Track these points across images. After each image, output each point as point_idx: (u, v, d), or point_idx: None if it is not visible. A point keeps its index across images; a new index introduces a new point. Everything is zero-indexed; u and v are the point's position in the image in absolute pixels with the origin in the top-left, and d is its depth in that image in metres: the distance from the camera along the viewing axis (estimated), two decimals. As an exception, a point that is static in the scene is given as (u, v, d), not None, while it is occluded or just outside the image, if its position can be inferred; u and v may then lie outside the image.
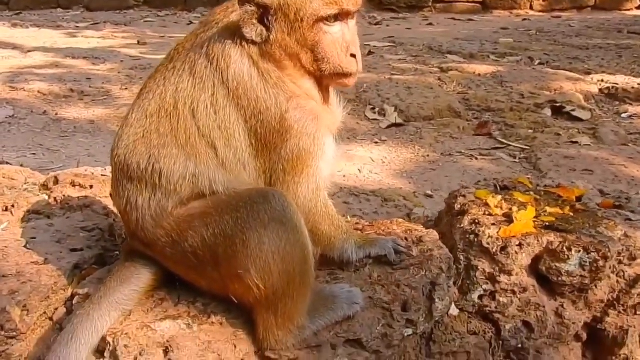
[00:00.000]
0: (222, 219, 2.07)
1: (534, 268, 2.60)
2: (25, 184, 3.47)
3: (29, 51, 10.03)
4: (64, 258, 2.48)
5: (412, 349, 2.41)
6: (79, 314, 2.12)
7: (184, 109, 2.18)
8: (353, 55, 2.24)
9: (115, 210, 3.12)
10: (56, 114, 6.70)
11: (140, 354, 2.00)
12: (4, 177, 3.48)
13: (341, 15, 2.20)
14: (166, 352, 2.02)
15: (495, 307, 2.57)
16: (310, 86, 2.29)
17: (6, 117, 6.51)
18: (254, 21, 2.16)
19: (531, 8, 16.00)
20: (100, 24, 14.19)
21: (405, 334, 2.30)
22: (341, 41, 2.22)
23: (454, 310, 2.56)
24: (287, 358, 2.10)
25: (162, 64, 2.33)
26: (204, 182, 2.14)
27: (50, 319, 2.30)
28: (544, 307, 2.56)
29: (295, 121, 2.19)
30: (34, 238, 2.65)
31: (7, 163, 4.90)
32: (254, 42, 2.18)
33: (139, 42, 11.06)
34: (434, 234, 2.65)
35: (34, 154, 5.64)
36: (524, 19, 14.06)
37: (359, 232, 2.63)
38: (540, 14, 15.27)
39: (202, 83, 2.18)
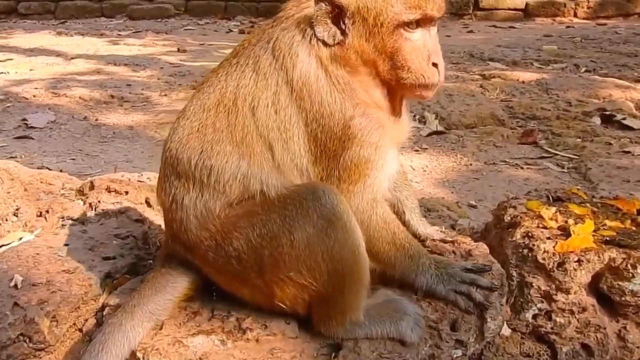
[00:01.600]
0: (268, 218, 1.97)
1: (594, 286, 2.40)
2: (62, 189, 3.42)
3: (72, 58, 10.19)
4: (95, 267, 2.39)
5: (460, 371, 2.24)
6: (110, 323, 2.03)
7: (244, 105, 2.07)
8: (435, 65, 2.07)
9: (149, 217, 3.04)
10: (96, 120, 6.73)
11: (172, 371, 1.88)
12: (41, 182, 3.44)
13: (423, 21, 2.04)
14: (199, 369, 1.90)
15: (551, 328, 2.37)
16: (381, 96, 2.15)
17: (48, 123, 6.57)
18: (328, 21, 2.04)
19: (575, 15, 15.62)
20: (141, 32, 14.37)
21: (454, 355, 2.13)
22: (422, 49, 2.06)
23: (506, 330, 2.38)
24: None
25: (226, 58, 2.23)
26: (255, 185, 2.03)
27: (80, 330, 2.21)
28: (604, 328, 2.36)
29: (359, 129, 2.05)
30: (67, 245, 2.57)
31: (47, 168, 4.92)
32: (325, 43, 2.05)
33: (178, 49, 11.13)
34: (483, 248, 2.48)
35: (74, 159, 5.66)
36: (568, 27, 13.69)
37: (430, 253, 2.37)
38: (585, 21, 14.88)
39: (265, 80, 2.07)
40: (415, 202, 2.57)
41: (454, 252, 2.44)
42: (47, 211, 2.90)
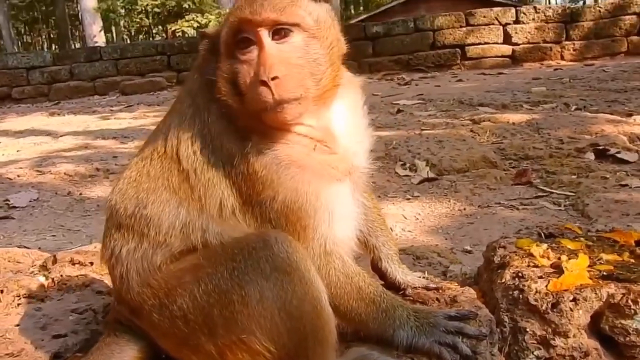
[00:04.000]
0: (215, 271, 1.75)
1: (594, 328, 2.16)
2: (32, 266, 3.24)
3: (61, 136, 10.19)
4: (43, 347, 2.17)
5: None
6: None
7: (172, 151, 1.93)
8: (263, 83, 1.74)
9: (115, 288, 2.84)
10: (80, 194, 6.60)
11: None
12: (9, 262, 3.27)
13: (252, 35, 1.80)
14: None
15: (553, 378, 2.13)
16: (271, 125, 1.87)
17: (30, 201, 6.43)
18: (209, 56, 1.94)
19: (562, 58, 15.79)
20: (133, 105, 14.51)
21: (444, 416, 1.88)
22: (253, 66, 1.79)
23: (503, 383, 2.14)
24: None
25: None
26: (196, 233, 1.85)
27: (24, 421, 1.97)
28: (612, 374, 2.11)
29: (262, 166, 1.83)
30: (17, 325, 2.35)
31: (25, 247, 4.74)
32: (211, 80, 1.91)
33: (168, 119, 11.13)
34: (470, 292, 2.26)
35: (54, 235, 5.48)
36: (556, 69, 13.80)
37: (406, 302, 2.12)
38: (572, 63, 15.04)
39: (186, 123, 1.93)
40: (393, 248, 2.37)
41: (437, 299, 2.22)
42: (2, 291, 2.69)
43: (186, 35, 22.85)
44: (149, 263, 1.85)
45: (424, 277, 2.40)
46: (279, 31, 1.82)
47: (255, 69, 1.78)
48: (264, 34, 1.80)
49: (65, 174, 7.23)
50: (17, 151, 9.08)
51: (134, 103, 14.99)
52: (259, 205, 1.85)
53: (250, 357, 1.74)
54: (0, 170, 7.63)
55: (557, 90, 10.19)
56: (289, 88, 1.77)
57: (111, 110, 14.03)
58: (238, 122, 1.87)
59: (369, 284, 1.96)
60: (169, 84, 17.85)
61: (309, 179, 1.86)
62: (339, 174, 1.95)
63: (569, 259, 2.34)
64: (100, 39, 26.35)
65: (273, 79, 1.74)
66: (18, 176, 7.25)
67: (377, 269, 2.34)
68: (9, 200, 6.38)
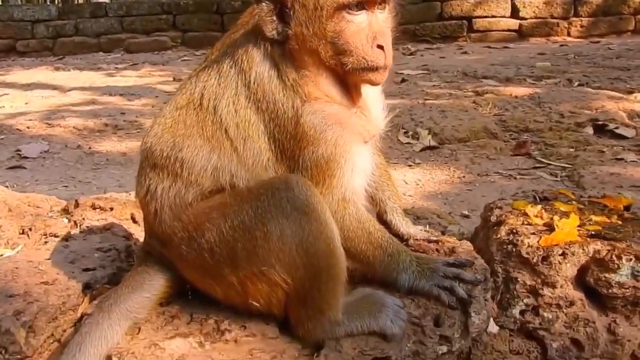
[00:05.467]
0: (241, 209, 1.95)
1: (580, 280, 2.36)
2: (50, 211, 3.41)
3: (68, 90, 10.27)
4: (75, 278, 2.36)
5: (448, 369, 2.19)
6: (87, 323, 2.00)
7: (209, 104, 2.10)
8: (380, 47, 2.02)
9: (134, 232, 3.02)
10: (90, 148, 6.74)
11: (147, 374, 1.84)
12: (29, 205, 3.43)
13: (367, 4, 2.02)
14: (176, 371, 1.86)
15: (540, 324, 2.33)
16: (332, 88, 2.11)
17: (41, 152, 6.58)
18: (273, 17, 2.04)
19: (568, 34, 15.73)
20: (138, 64, 14.52)
21: (440, 352, 2.08)
22: (366, 30, 2.02)
23: (494, 328, 2.34)
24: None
25: (199, 65, 2.29)
26: (225, 176, 2.04)
27: (58, 341, 2.17)
28: (594, 322, 2.31)
29: (311, 126, 2.04)
30: (47, 259, 2.54)
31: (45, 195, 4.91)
32: (275, 41, 2.06)
33: (174, 78, 11.22)
34: (467, 245, 2.45)
35: (66, 186, 5.64)
36: (562, 45, 13.78)
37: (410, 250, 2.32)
38: (578, 39, 14.98)
39: (227, 82, 2.11)
40: (398, 201, 2.55)
41: (437, 250, 2.41)
42: (30, 229, 2.88)
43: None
44: (181, 200, 2.04)
45: (425, 230, 2.59)
46: (382, 4, 2.06)
47: (368, 33, 2.01)
48: (376, 7, 2.04)
49: (74, 127, 7.37)
50: (26, 103, 9.18)
51: (139, 62, 14.99)
52: (294, 158, 2.05)
53: (269, 287, 1.95)
54: (10, 121, 7.76)
55: (561, 65, 10.26)
56: (392, 55, 2.04)
57: (116, 67, 14.04)
58: (301, 85, 2.05)
59: (378, 229, 2.16)
60: (173, 43, 17.80)
61: (348, 136, 2.08)
62: (368, 136, 2.20)
63: (561, 219, 2.52)
64: (105, -4, 26.10)
65: (386, 44, 2.00)
66: (28, 128, 7.38)
67: (382, 221, 2.52)
68: (20, 151, 6.53)
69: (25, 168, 6.12)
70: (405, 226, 2.52)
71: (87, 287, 2.36)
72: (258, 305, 2.00)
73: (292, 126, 2.04)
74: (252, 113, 2.06)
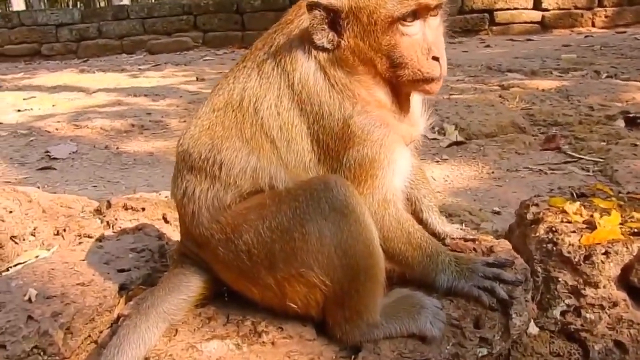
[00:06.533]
0: (279, 210, 1.93)
1: (624, 279, 2.30)
2: (82, 212, 3.43)
3: (94, 92, 10.38)
4: (110, 279, 2.36)
5: (488, 372, 2.14)
6: (125, 325, 1.99)
7: (249, 106, 2.08)
8: (435, 58, 2.01)
9: (167, 232, 3.02)
10: (117, 148, 6.79)
11: (186, 377, 1.83)
12: (61, 206, 3.45)
13: (420, 12, 1.99)
14: (214, 374, 1.85)
15: (581, 325, 2.28)
16: (383, 94, 2.09)
17: (70, 153, 6.65)
18: (324, 26, 2.01)
19: (593, 25, 15.50)
20: (161, 65, 14.61)
21: (479, 354, 2.03)
22: (421, 42, 2.00)
23: (534, 329, 2.29)
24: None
25: (236, 63, 2.26)
26: (264, 178, 2.02)
27: (95, 342, 2.17)
28: (638, 324, 2.25)
29: (359, 127, 2.01)
30: (83, 260, 2.55)
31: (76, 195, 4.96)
32: (323, 48, 2.03)
33: (197, 78, 11.27)
34: (505, 243, 2.40)
35: (95, 186, 5.69)
36: (586, 36, 13.57)
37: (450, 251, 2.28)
38: (603, 30, 14.75)
39: (269, 83, 2.08)
40: (433, 200, 2.51)
41: (474, 249, 2.36)
42: (65, 230, 2.89)
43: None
44: (219, 201, 2.02)
45: (461, 229, 2.55)
46: (434, 10, 2.03)
47: (424, 44, 2.00)
48: (429, 15, 2.02)
49: (101, 128, 7.43)
50: (53, 105, 9.29)
51: (161, 62, 15.10)
52: (338, 158, 2.02)
53: (306, 289, 1.92)
54: (39, 123, 7.86)
55: (587, 57, 10.10)
56: (446, 65, 2.04)
57: (139, 68, 14.16)
58: (352, 90, 2.03)
59: (417, 229, 2.13)
60: (195, 44, 17.91)
61: (393, 137, 2.05)
62: (409, 139, 2.18)
63: (601, 216, 2.46)
64: (126, -2, 26.37)
65: (441, 55, 2.00)
66: (56, 129, 7.47)
67: (418, 220, 2.48)
68: (49, 152, 6.61)
69: (55, 169, 6.19)
70: (442, 225, 2.48)
71: (122, 288, 2.36)
72: (295, 306, 1.97)
73: (339, 127, 2.01)
74: (295, 115, 2.04)
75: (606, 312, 2.26)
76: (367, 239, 1.92)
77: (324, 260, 1.88)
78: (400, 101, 2.14)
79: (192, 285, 2.12)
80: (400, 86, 2.08)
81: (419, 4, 1.95)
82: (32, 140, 7.16)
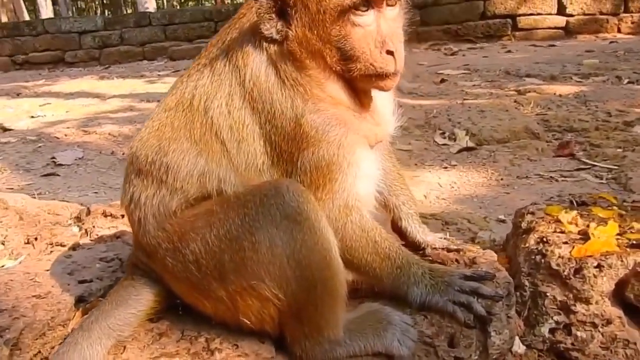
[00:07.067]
0: (227, 217, 1.78)
1: (619, 295, 2.10)
2: (70, 219, 3.33)
3: (109, 98, 10.39)
4: (68, 290, 2.24)
5: (467, 394, 1.96)
6: (66, 342, 1.87)
7: (199, 105, 1.95)
8: (390, 52, 1.85)
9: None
10: (123, 154, 6.73)
11: (127, 399, 1.69)
12: (48, 214, 3.36)
13: (374, 2, 1.84)
14: (158, 396, 1.70)
15: (572, 344, 2.09)
16: (338, 89, 1.94)
17: (75, 159, 6.61)
18: (272, 15, 1.87)
19: (619, 31, 15.10)
20: (180, 71, 14.59)
21: (454, 376, 1.87)
22: (374, 34, 1.85)
23: (520, 347, 2.10)
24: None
25: (193, 62, 2.14)
26: (212, 182, 1.88)
27: (46, 358, 2.03)
28: (634, 343, 2.05)
29: (312, 127, 1.86)
30: (47, 270, 2.43)
31: (66, 201, 4.89)
32: (273, 40, 1.89)
33: (212, 84, 11.19)
34: (490, 255, 2.22)
35: (96, 192, 5.62)
36: (611, 42, 13.19)
37: (422, 260, 2.11)
38: (629, 36, 14.35)
39: (220, 80, 1.95)
40: (413, 207, 2.34)
41: (457, 260, 2.19)
42: (36, 238, 2.79)
43: (234, 2, 22.84)
44: (165, 208, 1.89)
45: (444, 239, 2.37)
46: (395, 2, 1.89)
47: (377, 37, 1.85)
48: (384, 5, 1.87)
49: (109, 134, 7.40)
50: (66, 112, 9.32)
51: (180, 68, 15.10)
52: (293, 160, 1.88)
53: (259, 303, 1.77)
54: (49, 129, 7.86)
55: (610, 63, 9.77)
56: (403, 59, 1.88)
57: (158, 75, 14.20)
58: (303, 85, 1.89)
59: (385, 239, 1.96)
60: (216, 50, 17.92)
61: (352, 138, 1.90)
62: (374, 139, 2.02)
63: (598, 226, 2.27)
64: (151, 5, 26.60)
65: (396, 49, 1.84)
66: (65, 135, 7.45)
67: (397, 229, 2.33)
68: (55, 158, 6.58)
69: (59, 175, 6.14)
70: (422, 234, 2.31)
71: (80, 301, 2.23)
72: (249, 322, 1.82)
73: (290, 127, 1.87)
74: (247, 114, 1.90)
75: (599, 331, 2.07)
76: (324, 248, 1.76)
77: (276, 272, 1.73)
78: (360, 98, 1.98)
79: (142, 298, 1.99)
80: (353, 81, 1.92)
81: None
82: (39, 147, 7.14)
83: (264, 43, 1.91)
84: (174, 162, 1.90)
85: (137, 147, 2.00)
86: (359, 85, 1.95)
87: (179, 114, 1.97)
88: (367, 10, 1.83)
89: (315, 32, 1.86)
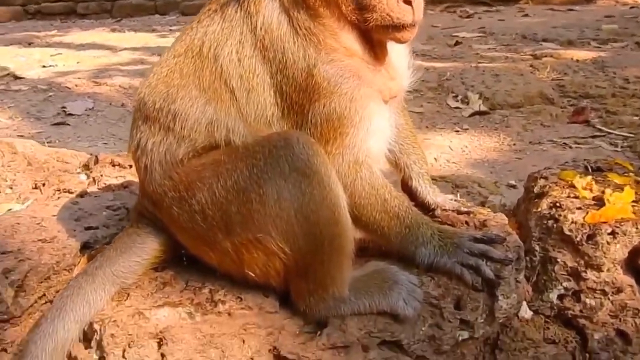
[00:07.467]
0: (235, 168, 1.74)
1: (632, 263, 2.07)
2: (78, 167, 3.31)
3: (120, 50, 10.28)
4: (74, 236, 2.23)
5: (471, 356, 1.95)
6: (69, 286, 1.86)
7: (209, 52, 1.90)
8: (408, 2, 1.78)
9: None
10: (133, 106, 6.67)
11: (129, 346, 1.70)
12: (57, 161, 3.34)
13: None
14: (160, 344, 1.70)
15: (580, 311, 2.06)
16: (353, 40, 1.88)
17: (85, 110, 6.58)
18: None
19: (642, -4, 14.71)
20: (191, 25, 14.41)
21: (460, 338, 1.85)
22: None
23: (526, 312, 2.08)
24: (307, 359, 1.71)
25: (203, 7, 2.07)
26: (220, 131, 1.84)
27: (51, 302, 2.03)
28: (644, 312, 2.02)
29: (324, 78, 1.80)
30: (53, 216, 2.42)
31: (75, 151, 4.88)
32: None
33: (223, 39, 11.05)
34: (501, 217, 2.18)
35: (106, 143, 5.61)
36: (632, 7, 12.85)
37: (431, 221, 2.06)
38: (652, 2, 13.96)
39: (231, 27, 1.90)
40: (424, 167, 2.30)
41: (467, 222, 2.15)
42: (44, 184, 2.78)
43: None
44: (172, 156, 1.86)
45: (455, 200, 2.33)
46: None
47: None
48: None
49: (120, 86, 7.33)
50: (77, 62, 9.24)
51: (192, 23, 14.93)
52: (303, 112, 1.83)
53: (265, 256, 1.75)
54: (60, 79, 7.80)
55: (630, 28, 9.51)
56: (422, 9, 1.80)
57: (170, 29, 13.99)
58: (317, 35, 1.83)
59: (394, 197, 1.92)
60: (228, 5, 17.66)
61: (366, 91, 1.85)
62: (388, 94, 1.96)
63: (614, 192, 2.22)
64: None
65: None
66: (76, 86, 7.39)
67: (407, 188, 2.29)
68: (66, 108, 6.55)
69: (69, 125, 6.12)
70: (432, 194, 2.27)
71: (86, 247, 2.22)
72: (254, 275, 1.80)
73: (302, 77, 1.81)
74: (258, 62, 1.85)
75: (609, 298, 2.04)
76: (333, 204, 1.72)
77: (283, 226, 1.70)
78: (375, 50, 1.91)
79: (146, 247, 1.97)
80: (369, 32, 1.86)
81: None
82: (50, 96, 7.09)
83: None
84: (182, 110, 1.85)
85: (145, 92, 1.96)
86: (375, 36, 1.89)
87: (188, 60, 1.92)
88: None
89: None
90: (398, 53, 2.02)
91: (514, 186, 4.00)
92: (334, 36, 1.85)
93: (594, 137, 4.87)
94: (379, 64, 1.93)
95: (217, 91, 1.85)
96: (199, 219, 1.79)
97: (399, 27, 1.81)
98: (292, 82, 1.82)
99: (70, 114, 6.42)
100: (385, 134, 1.98)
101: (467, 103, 5.80)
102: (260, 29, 1.84)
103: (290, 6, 1.84)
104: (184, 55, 1.93)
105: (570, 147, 4.67)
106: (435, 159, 4.59)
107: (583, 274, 2.05)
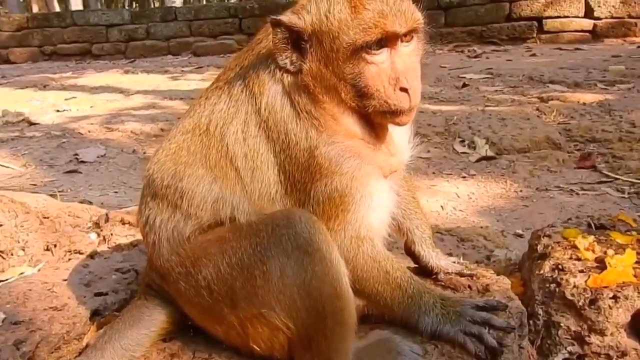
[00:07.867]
0: (239, 245, 1.80)
1: (635, 327, 2.08)
2: (89, 222, 3.38)
3: (132, 94, 10.48)
4: (84, 303, 2.27)
5: None
6: None
7: (216, 130, 1.96)
8: (404, 90, 1.85)
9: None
10: (144, 153, 6.79)
11: (137, 420, 1.71)
12: (69, 216, 3.41)
13: (387, 40, 1.83)
14: (168, 416, 1.73)
15: (585, 376, 2.07)
16: (353, 123, 1.95)
17: (97, 157, 6.69)
18: (287, 47, 1.88)
19: (648, 34, 14.82)
20: (203, 67, 14.69)
21: (464, 407, 1.86)
22: (388, 72, 1.84)
23: (531, 378, 2.09)
24: None
25: (211, 83, 2.15)
26: (225, 209, 1.90)
27: (61, 371, 2.08)
28: (649, 377, 2.03)
29: (326, 158, 1.87)
30: (64, 280, 2.47)
31: (89, 201, 4.96)
32: (287, 70, 1.90)
33: (234, 82, 11.22)
34: (504, 282, 2.21)
35: (116, 192, 5.69)
36: (639, 47, 12.96)
37: (433, 289, 2.08)
38: (659, 40, 14.07)
39: (236, 107, 1.97)
40: (427, 231, 2.34)
41: (469, 286, 2.18)
42: (55, 245, 2.84)
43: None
44: (179, 233, 1.91)
45: (458, 263, 2.36)
46: (407, 36, 1.88)
47: (391, 74, 1.85)
48: (399, 42, 1.86)
49: (131, 132, 7.46)
50: (91, 107, 9.43)
51: (204, 65, 15.19)
52: (306, 190, 1.88)
53: (269, 331, 1.78)
54: (73, 124, 7.96)
55: (637, 69, 9.58)
56: (419, 95, 1.88)
57: (182, 70, 14.27)
58: (317, 118, 1.89)
59: (396, 269, 1.96)
60: (239, 47, 17.87)
61: (366, 169, 1.91)
62: (389, 170, 2.02)
63: (615, 253, 2.24)
64: (178, 0, 26.82)
65: (411, 86, 1.84)
66: (89, 132, 7.54)
67: (411, 252, 2.33)
68: (78, 155, 6.67)
69: (80, 172, 6.22)
70: (436, 258, 2.31)
71: (96, 314, 2.27)
72: (259, 349, 1.84)
73: (304, 157, 1.88)
74: (262, 142, 1.91)
75: (613, 363, 2.05)
76: (334, 279, 1.76)
77: (286, 302, 1.74)
78: (376, 130, 1.98)
79: (154, 319, 2.02)
80: (368, 116, 1.92)
81: (384, 32, 1.80)
82: (63, 142, 7.23)
83: (280, 72, 1.91)
84: (189, 188, 1.91)
85: (153, 169, 2.02)
86: (375, 120, 1.95)
87: (196, 138, 1.98)
88: (380, 49, 1.83)
89: (330, 68, 1.86)
90: (399, 129, 2.07)
91: (520, 235, 4.01)
92: (335, 119, 1.92)
93: (600, 182, 4.89)
94: (379, 143, 1.99)
95: (222, 169, 1.91)
96: (205, 294, 1.84)
97: (397, 113, 1.87)
98: (295, 161, 1.88)
99: (83, 161, 6.53)
100: (386, 208, 2.03)
101: (474, 148, 5.85)
102: (264, 109, 1.91)
103: (292, 90, 1.91)
104: (191, 132, 2.00)
105: (577, 194, 4.69)
106: (442, 206, 4.62)
107: (587, 339, 2.07)
